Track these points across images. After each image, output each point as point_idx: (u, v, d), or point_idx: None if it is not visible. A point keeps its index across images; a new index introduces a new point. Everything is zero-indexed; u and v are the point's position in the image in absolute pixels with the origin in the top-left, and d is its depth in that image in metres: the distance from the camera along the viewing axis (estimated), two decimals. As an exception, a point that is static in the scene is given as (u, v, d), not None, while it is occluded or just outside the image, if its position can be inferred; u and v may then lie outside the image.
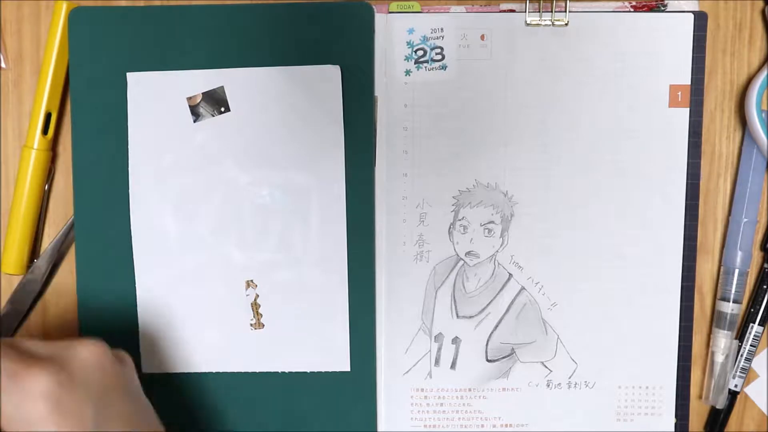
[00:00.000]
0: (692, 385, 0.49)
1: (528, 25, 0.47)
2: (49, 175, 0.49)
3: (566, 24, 0.47)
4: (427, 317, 0.48)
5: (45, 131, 0.48)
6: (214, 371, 0.48)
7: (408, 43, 0.47)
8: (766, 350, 0.49)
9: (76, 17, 0.47)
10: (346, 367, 0.48)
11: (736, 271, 0.48)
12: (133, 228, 0.48)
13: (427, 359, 0.49)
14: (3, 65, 0.49)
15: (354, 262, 0.47)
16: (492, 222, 0.48)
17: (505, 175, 0.48)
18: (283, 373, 0.48)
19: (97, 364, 0.36)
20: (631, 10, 0.47)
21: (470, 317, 0.48)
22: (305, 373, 0.48)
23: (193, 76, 0.47)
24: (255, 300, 0.48)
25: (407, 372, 0.49)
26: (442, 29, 0.47)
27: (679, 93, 0.47)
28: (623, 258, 0.48)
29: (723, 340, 0.48)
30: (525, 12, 0.47)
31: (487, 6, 0.47)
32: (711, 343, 0.49)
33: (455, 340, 0.48)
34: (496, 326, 0.48)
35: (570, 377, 0.48)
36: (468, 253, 0.48)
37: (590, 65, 0.47)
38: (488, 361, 0.49)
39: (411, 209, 0.48)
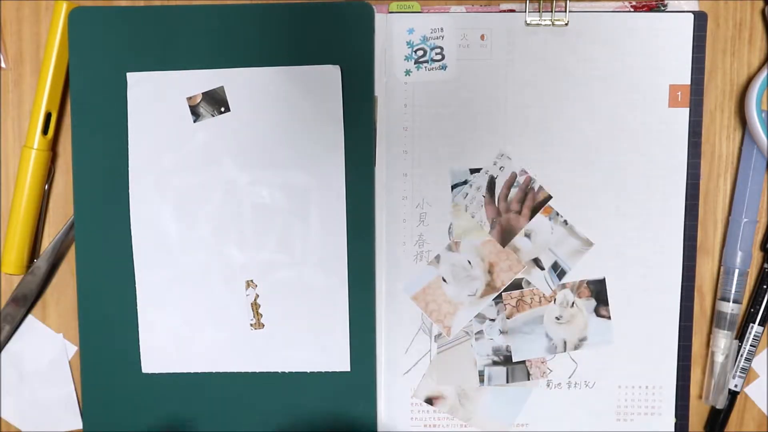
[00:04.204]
0: (692, 385, 0.49)
1: (528, 25, 0.47)
2: (49, 175, 0.49)
3: (566, 24, 0.47)
4: (427, 317, 0.48)
5: (45, 131, 0.48)
6: (214, 371, 0.48)
7: (408, 43, 0.47)
8: (766, 350, 0.49)
9: (76, 17, 0.47)
10: (346, 367, 0.48)
11: (736, 271, 0.48)
12: (133, 228, 0.48)
13: (427, 359, 0.49)
14: (3, 65, 0.49)
15: (354, 262, 0.47)
16: (492, 222, 0.48)
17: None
18: (283, 373, 0.48)
19: None
20: (631, 10, 0.47)
21: (470, 317, 0.49)
22: (305, 373, 0.48)
23: (193, 76, 0.47)
24: (255, 300, 0.48)
25: (407, 372, 0.49)
26: (442, 29, 0.47)
27: (679, 93, 0.47)
28: (623, 258, 0.48)
29: (723, 340, 0.48)
30: (525, 12, 0.47)
31: (487, 6, 0.47)
32: (711, 343, 0.49)
33: (455, 340, 0.49)
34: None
35: (570, 377, 0.48)
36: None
37: (590, 65, 0.47)
38: (488, 361, 0.49)
39: (411, 209, 0.48)
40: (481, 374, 0.48)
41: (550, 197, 0.47)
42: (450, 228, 0.48)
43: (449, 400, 0.48)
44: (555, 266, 0.48)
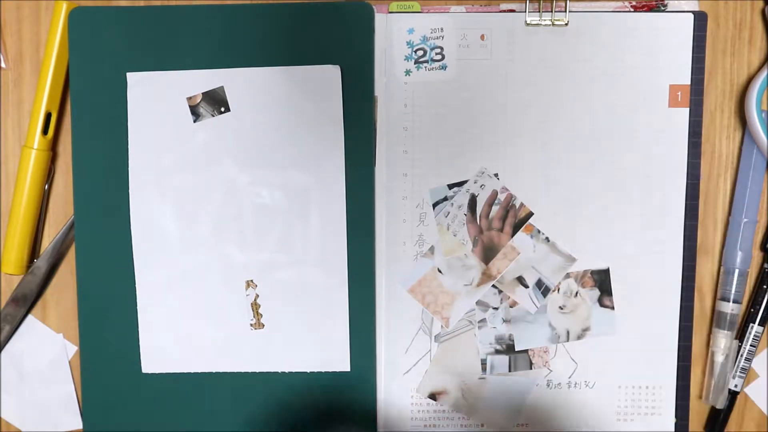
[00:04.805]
0: (692, 385, 0.49)
1: (528, 25, 0.47)
2: (49, 175, 0.49)
3: (566, 24, 0.47)
4: (427, 317, 0.48)
5: (45, 131, 0.48)
6: (214, 371, 0.48)
7: (408, 43, 0.47)
8: (766, 350, 0.49)
9: (76, 17, 0.47)
10: (346, 367, 0.48)
11: (736, 271, 0.48)
12: (133, 228, 0.48)
13: (427, 359, 0.49)
14: (3, 65, 0.49)
15: (354, 262, 0.47)
16: (492, 222, 0.48)
17: (505, 175, 0.48)
18: (283, 373, 0.48)
19: None
20: (631, 10, 0.47)
21: (470, 317, 0.49)
22: (305, 373, 0.48)
23: (193, 76, 0.47)
24: (255, 300, 0.48)
25: (407, 372, 0.49)
26: (442, 29, 0.47)
27: (679, 93, 0.47)
28: (623, 258, 0.48)
29: (723, 340, 0.48)
30: (525, 12, 0.47)
31: (487, 6, 0.47)
32: (711, 343, 0.49)
33: (455, 340, 0.49)
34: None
35: (570, 377, 0.48)
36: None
37: (590, 65, 0.47)
38: (488, 361, 0.49)
39: (411, 209, 0.48)
40: (483, 363, 0.48)
41: (531, 214, 0.47)
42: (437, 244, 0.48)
43: (452, 394, 0.48)
44: (539, 284, 0.48)
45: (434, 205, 0.48)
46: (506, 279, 0.48)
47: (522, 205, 0.47)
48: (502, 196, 0.47)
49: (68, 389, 0.50)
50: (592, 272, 0.48)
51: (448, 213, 0.47)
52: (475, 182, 0.47)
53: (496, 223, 0.47)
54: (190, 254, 0.48)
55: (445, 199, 0.48)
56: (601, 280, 0.48)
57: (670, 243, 0.48)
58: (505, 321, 0.48)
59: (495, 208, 0.47)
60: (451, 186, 0.47)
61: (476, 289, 0.48)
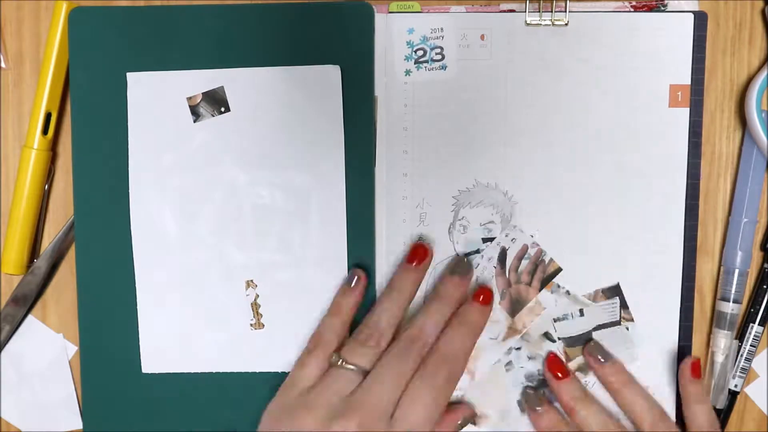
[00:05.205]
0: (692, 385, 0.49)
1: (528, 25, 0.47)
2: (49, 175, 0.49)
3: (566, 24, 0.47)
4: (427, 317, 0.48)
5: (45, 131, 0.48)
6: (214, 371, 0.48)
7: (408, 43, 0.47)
8: (766, 350, 0.49)
9: (76, 17, 0.47)
10: (346, 367, 0.48)
11: (736, 271, 0.48)
12: (133, 228, 0.48)
13: (427, 359, 0.49)
14: (3, 65, 0.49)
15: (354, 262, 0.47)
16: (492, 222, 0.48)
17: (505, 175, 0.48)
18: (283, 373, 0.48)
19: None
20: (631, 10, 0.47)
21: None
22: (305, 373, 0.48)
23: (193, 76, 0.47)
24: (255, 300, 0.48)
25: (407, 372, 0.49)
26: (442, 29, 0.47)
27: (679, 93, 0.47)
28: (623, 258, 0.48)
29: (723, 340, 0.48)
30: (525, 12, 0.47)
31: (487, 6, 0.47)
32: (711, 343, 0.49)
33: (455, 340, 0.48)
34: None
35: (570, 377, 0.48)
36: (468, 253, 0.48)
37: (590, 65, 0.47)
38: (488, 361, 0.49)
39: (411, 209, 0.48)
40: (519, 403, 0.48)
41: (560, 269, 0.47)
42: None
43: (492, 419, 0.48)
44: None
45: (465, 256, 0.48)
46: (533, 337, 0.48)
47: (552, 260, 0.47)
48: (532, 251, 0.47)
49: (68, 389, 0.50)
50: (603, 290, 0.48)
51: (478, 265, 0.47)
52: (506, 236, 0.47)
53: (525, 277, 0.47)
54: (190, 254, 0.48)
55: (477, 251, 0.47)
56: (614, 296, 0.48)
57: (670, 243, 0.48)
58: (530, 358, 0.48)
59: (524, 262, 0.47)
60: (485, 240, 0.47)
61: (502, 343, 0.48)
